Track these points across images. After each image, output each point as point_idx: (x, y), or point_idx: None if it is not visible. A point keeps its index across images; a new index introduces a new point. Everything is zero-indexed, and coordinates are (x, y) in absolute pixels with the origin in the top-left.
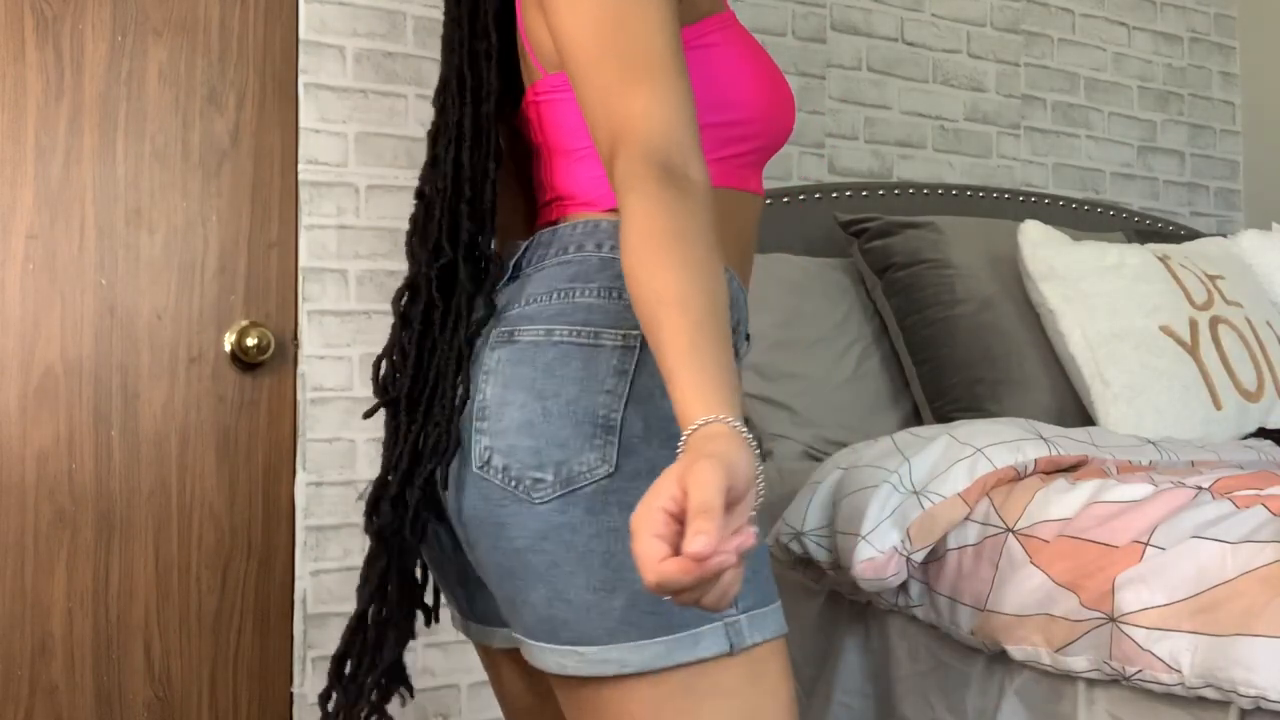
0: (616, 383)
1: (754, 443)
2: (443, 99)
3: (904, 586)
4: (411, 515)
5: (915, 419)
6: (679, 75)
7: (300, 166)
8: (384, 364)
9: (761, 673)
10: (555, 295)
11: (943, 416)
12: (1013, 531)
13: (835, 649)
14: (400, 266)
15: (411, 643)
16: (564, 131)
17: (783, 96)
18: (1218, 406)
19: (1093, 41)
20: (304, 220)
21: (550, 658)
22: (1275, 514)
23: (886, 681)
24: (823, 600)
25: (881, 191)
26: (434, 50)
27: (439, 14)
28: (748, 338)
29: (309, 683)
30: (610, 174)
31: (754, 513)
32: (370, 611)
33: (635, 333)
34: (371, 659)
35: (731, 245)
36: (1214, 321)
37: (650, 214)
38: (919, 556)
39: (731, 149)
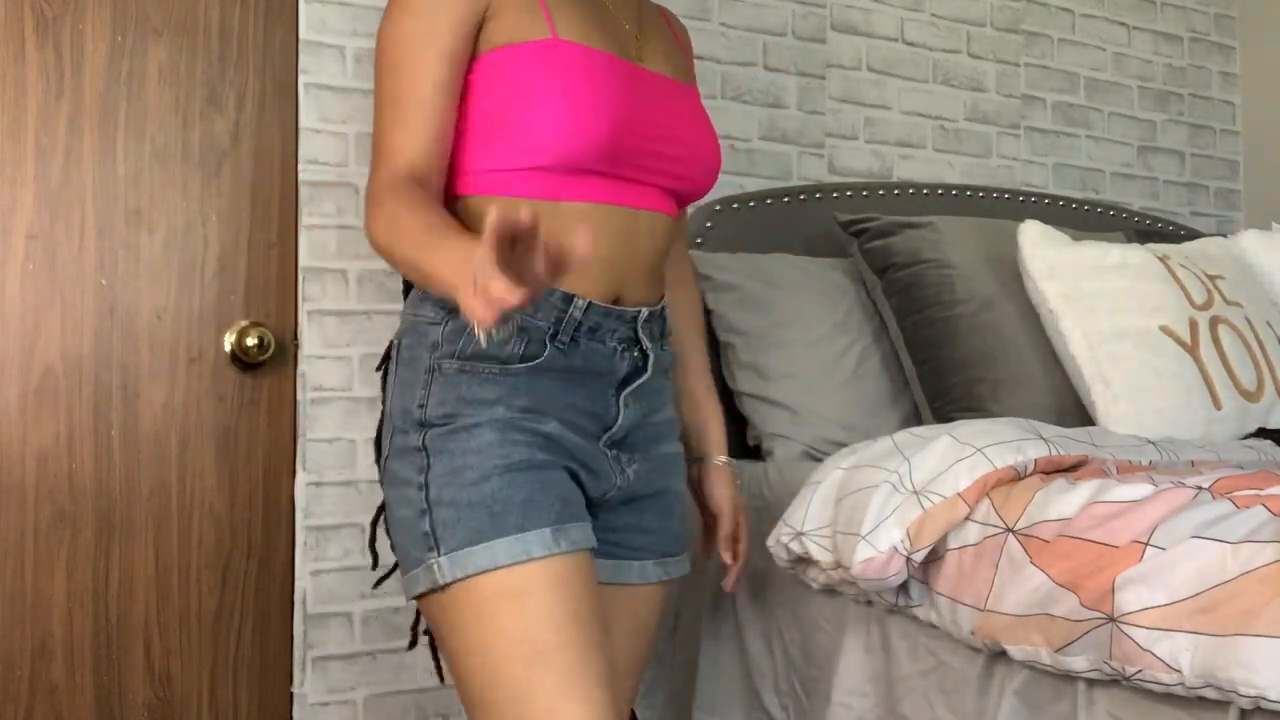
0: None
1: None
2: None
3: (904, 586)
4: None
5: (915, 419)
6: (432, 111)
7: (300, 166)
8: None
9: (464, 604)
10: None
11: (943, 416)
12: (1013, 531)
13: (835, 649)
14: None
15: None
16: None
17: (576, 119)
18: (1218, 406)
19: (1093, 41)
20: (304, 220)
21: None
22: (1275, 514)
23: (886, 681)
24: (823, 600)
25: (881, 191)
26: None
27: None
28: (589, 332)
29: (309, 683)
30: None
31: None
32: None
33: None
34: None
35: None
36: (1214, 321)
37: (403, 211)
38: (919, 556)
39: (528, 161)
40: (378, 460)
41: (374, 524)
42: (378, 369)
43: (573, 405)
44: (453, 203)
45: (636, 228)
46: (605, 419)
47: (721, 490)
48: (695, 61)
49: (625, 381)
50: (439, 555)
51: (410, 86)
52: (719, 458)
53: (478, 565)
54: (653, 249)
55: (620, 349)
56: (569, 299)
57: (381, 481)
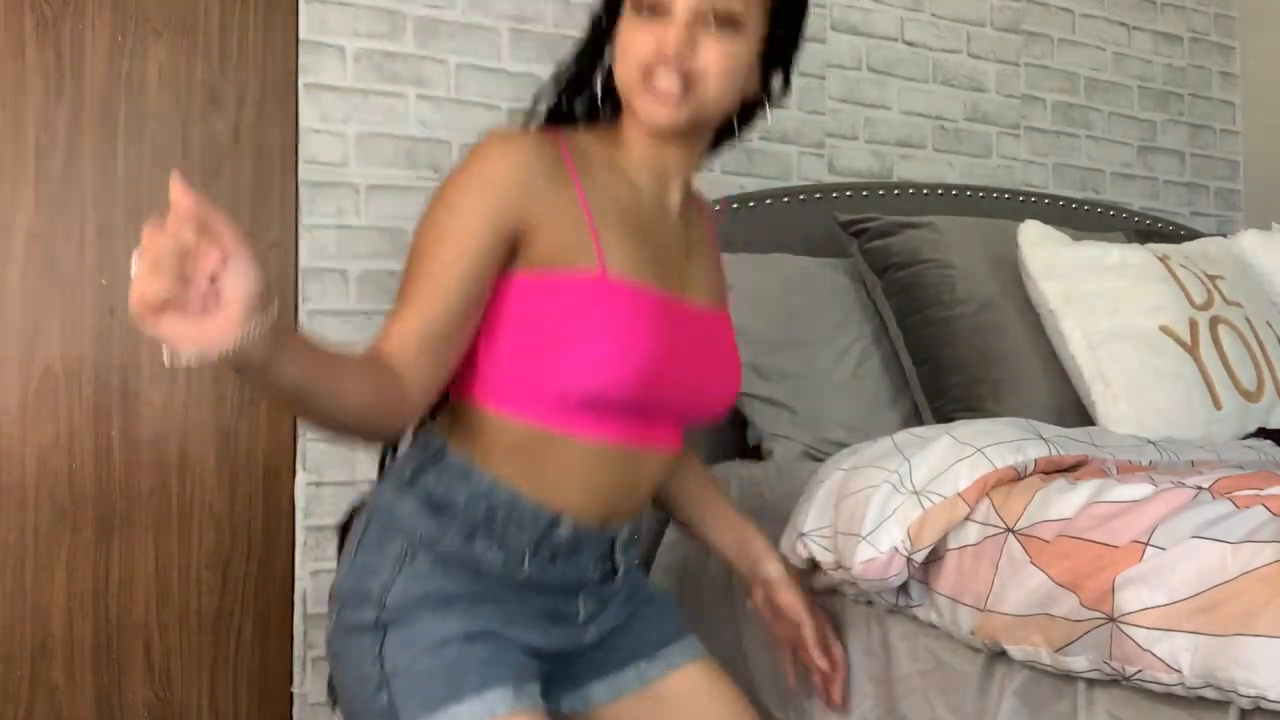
0: None
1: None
2: None
3: (904, 586)
4: None
5: (915, 419)
6: (442, 308)
7: (300, 166)
8: None
9: None
10: None
11: (943, 416)
12: (1013, 531)
13: None
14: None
15: None
16: None
17: (613, 371)
18: (1218, 406)
19: (1093, 41)
20: (304, 220)
21: None
22: (1275, 514)
23: (886, 681)
24: (823, 600)
25: (881, 191)
26: (434, 50)
27: (439, 14)
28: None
29: (309, 683)
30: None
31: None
32: None
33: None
34: None
35: (548, 484)
36: (1214, 321)
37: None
38: (920, 556)
39: (554, 392)
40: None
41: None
42: (338, 530)
43: (538, 609)
44: (465, 401)
45: (641, 466)
46: (572, 611)
47: (791, 598)
48: None
49: (600, 583)
50: None
51: (428, 277)
52: (773, 567)
53: None
54: (652, 483)
55: (594, 563)
56: (555, 521)
57: (329, 654)
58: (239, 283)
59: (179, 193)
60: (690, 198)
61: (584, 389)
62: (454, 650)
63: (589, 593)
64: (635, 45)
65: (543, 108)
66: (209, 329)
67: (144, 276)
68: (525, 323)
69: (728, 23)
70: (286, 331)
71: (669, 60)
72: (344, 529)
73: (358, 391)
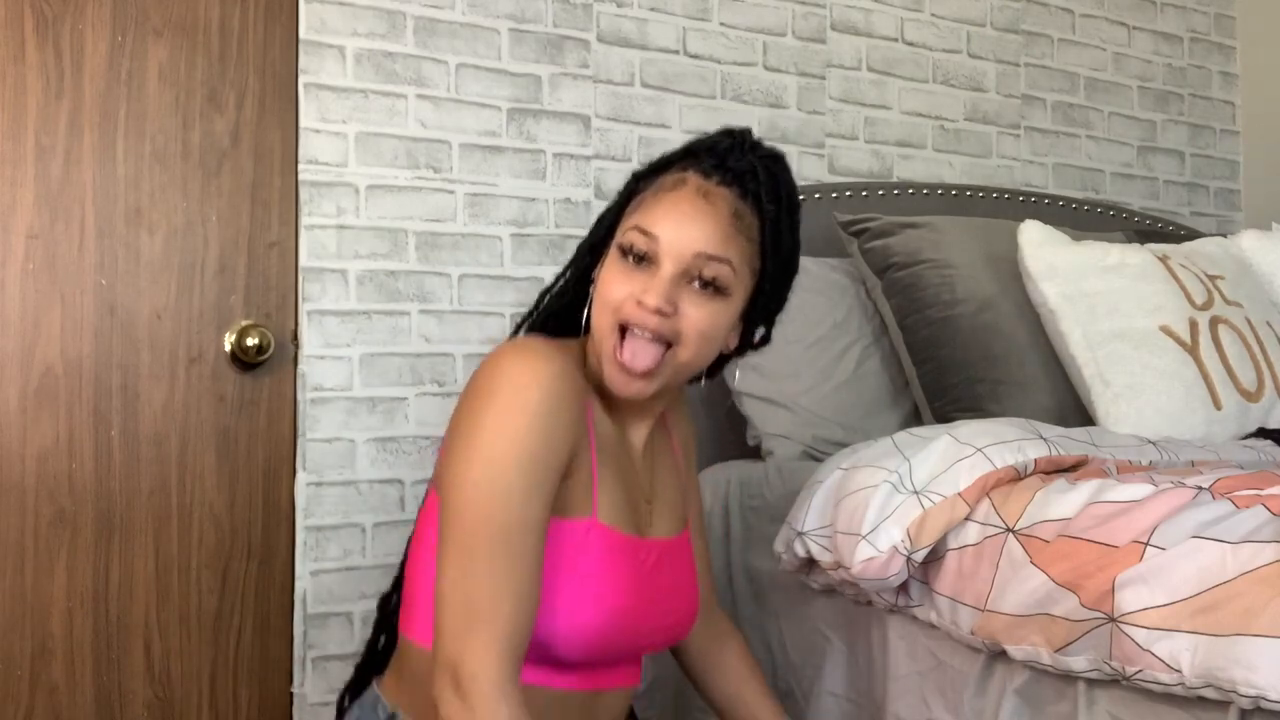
0: None
1: None
2: None
3: (904, 586)
4: None
5: (915, 419)
6: (534, 576)
7: (300, 166)
8: None
9: None
10: None
11: (943, 416)
12: (1013, 531)
13: (834, 649)
14: (400, 266)
15: None
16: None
17: (575, 617)
18: (1218, 406)
19: (1093, 41)
20: (304, 220)
21: None
22: (1275, 514)
23: (885, 681)
24: (822, 600)
25: (881, 191)
26: (434, 50)
27: (439, 14)
28: None
29: (309, 683)
30: None
31: None
32: None
33: None
34: None
35: None
36: (1214, 321)
37: None
38: (919, 556)
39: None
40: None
41: None
42: None
43: None
44: (417, 648)
45: (597, 706)
46: None
47: None
48: (696, 63)
49: None
50: None
51: (520, 546)
52: None
53: None
54: (613, 716)
55: None
56: None
57: None
58: None
59: None
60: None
61: (565, 644)
62: None
63: None
64: (614, 287)
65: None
66: None
67: None
68: None
69: (714, 288)
70: None
71: (648, 314)
72: None
73: None
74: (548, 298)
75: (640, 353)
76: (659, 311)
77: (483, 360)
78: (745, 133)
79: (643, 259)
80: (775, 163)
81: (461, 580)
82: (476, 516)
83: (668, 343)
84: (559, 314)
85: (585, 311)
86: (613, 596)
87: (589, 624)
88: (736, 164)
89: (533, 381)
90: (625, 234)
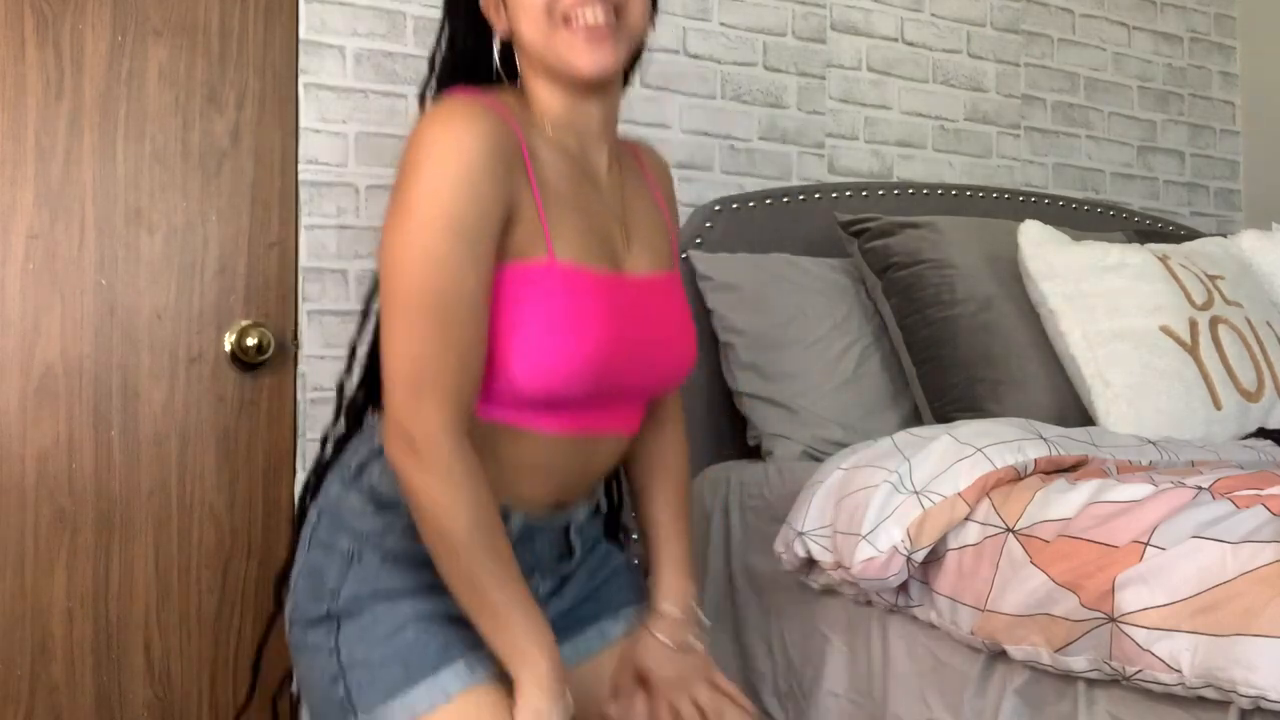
0: None
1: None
2: None
3: (904, 586)
4: None
5: (915, 419)
6: (476, 335)
7: (300, 166)
8: None
9: None
10: None
11: (943, 416)
12: (1013, 531)
13: (834, 648)
14: None
15: None
16: None
17: (559, 364)
18: (1218, 406)
19: (1093, 41)
20: (304, 220)
21: None
22: (1275, 514)
23: (885, 681)
24: (822, 600)
25: (881, 191)
26: None
27: (439, 14)
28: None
29: None
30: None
31: None
32: None
33: None
34: None
35: (497, 477)
36: (1214, 321)
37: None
38: (919, 556)
39: (506, 389)
40: (284, 619)
41: (280, 686)
42: (295, 525)
43: None
44: None
45: (597, 450)
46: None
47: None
48: (696, 62)
49: (556, 561)
50: (356, 718)
51: (456, 311)
52: (663, 604)
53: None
54: (610, 463)
55: (549, 547)
56: (505, 514)
57: (289, 646)
58: None
59: None
60: (623, 149)
61: (534, 387)
62: (409, 635)
63: (545, 572)
64: None
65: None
66: None
67: None
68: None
69: None
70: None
71: None
72: (299, 517)
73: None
74: (441, 54)
75: (593, 18)
76: None
77: (410, 132)
78: None
79: None
80: None
81: (405, 347)
82: (412, 285)
83: (620, 9)
84: (460, 67)
85: (494, 55)
86: (584, 334)
87: (560, 365)
88: None
89: (454, 146)
90: None
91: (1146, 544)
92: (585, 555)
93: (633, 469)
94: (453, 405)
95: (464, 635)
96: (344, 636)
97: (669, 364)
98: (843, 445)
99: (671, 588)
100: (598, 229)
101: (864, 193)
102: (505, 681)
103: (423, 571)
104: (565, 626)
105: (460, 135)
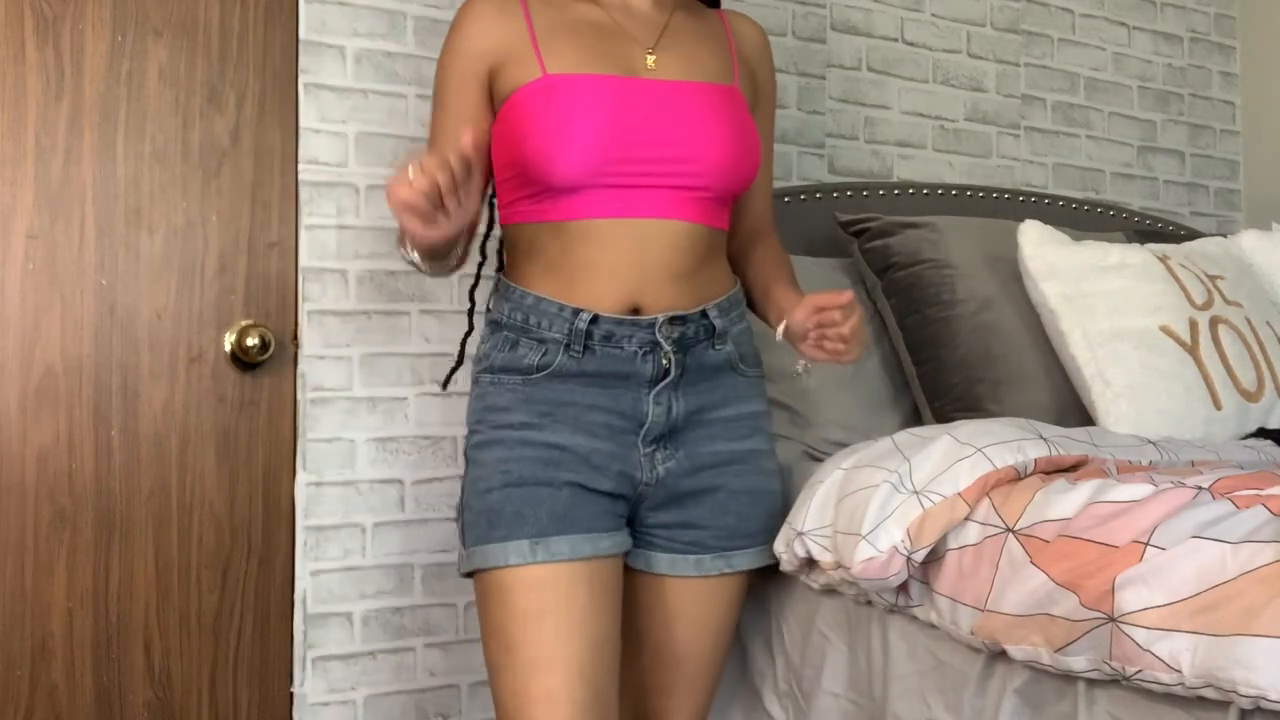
0: None
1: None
2: None
3: (904, 586)
4: None
5: (915, 419)
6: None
7: (300, 166)
8: None
9: (475, 589)
10: None
11: (943, 416)
12: (1013, 531)
13: (834, 649)
14: (400, 266)
15: (411, 642)
16: None
17: (559, 146)
18: (1218, 406)
19: (1093, 41)
20: (304, 220)
21: None
22: (1275, 514)
23: (885, 681)
24: (822, 600)
25: (881, 191)
26: (434, 50)
27: (439, 14)
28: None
29: (309, 683)
30: None
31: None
32: None
33: None
34: None
35: (566, 279)
36: (1214, 321)
37: None
38: (920, 556)
39: (533, 190)
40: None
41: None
42: None
43: (596, 406)
44: (504, 230)
45: (647, 237)
46: (638, 416)
47: (802, 300)
48: None
49: (655, 381)
50: (463, 548)
51: (446, 112)
52: (789, 298)
53: (475, 564)
54: (671, 256)
55: (642, 352)
56: (575, 313)
57: None
58: (463, 214)
59: (466, 140)
60: (698, 6)
61: (544, 177)
62: (495, 498)
63: (649, 392)
64: None
65: None
66: (430, 231)
67: (411, 186)
68: (501, 146)
69: None
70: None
71: None
72: None
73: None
74: None
75: None
76: None
77: None
78: None
79: None
80: None
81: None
82: (431, 110)
83: None
84: None
85: None
86: (581, 121)
87: (564, 153)
88: None
89: (457, 14)
90: None
91: (1146, 544)
92: (716, 410)
93: (747, 284)
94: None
95: (546, 507)
96: (467, 478)
97: (694, 156)
98: (843, 445)
99: (789, 293)
100: (610, 48)
101: (864, 193)
102: (570, 563)
103: (521, 390)
104: (671, 538)
105: (463, 4)
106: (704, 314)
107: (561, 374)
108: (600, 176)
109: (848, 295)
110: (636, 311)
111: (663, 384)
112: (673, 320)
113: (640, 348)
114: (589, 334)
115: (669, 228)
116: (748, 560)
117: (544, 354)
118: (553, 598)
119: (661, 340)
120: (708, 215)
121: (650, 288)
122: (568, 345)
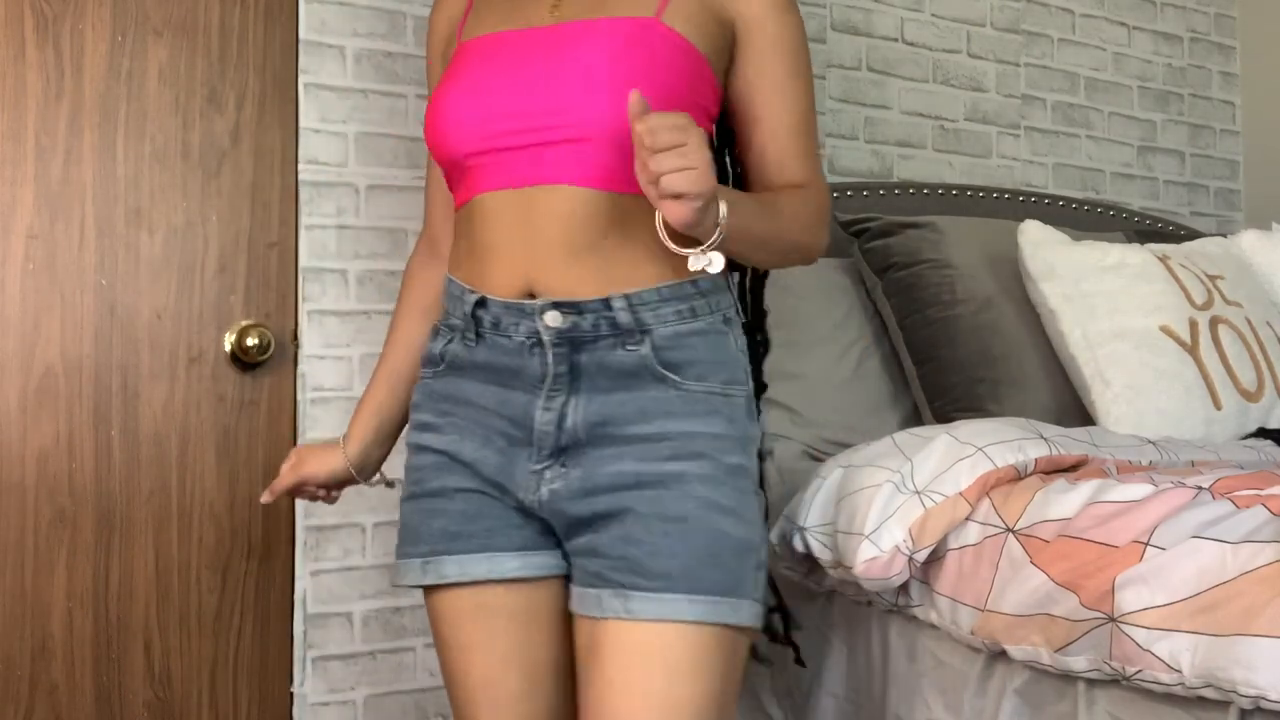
0: None
1: None
2: None
3: (904, 586)
4: None
5: (915, 419)
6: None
7: (300, 166)
8: None
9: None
10: None
11: (943, 416)
12: (1013, 532)
13: (835, 648)
14: (400, 266)
15: (411, 642)
16: None
17: (429, 122)
18: (1218, 406)
19: (1093, 41)
20: (304, 220)
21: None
22: (1275, 514)
23: (885, 681)
24: (823, 600)
25: (881, 191)
26: None
27: None
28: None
29: (309, 683)
30: None
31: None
32: None
33: None
34: None
35: (469, 261)
36: (1214, 321)
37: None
38: (921, 556)
39: (444, 173)
40: None
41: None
42: None
43: (492, 410)
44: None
45: (534, 207)
46: (527, 423)
47: None
48: None
49: (542, 381)
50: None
51: (431, 167)
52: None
53: (395, 579)
54: (565, 229)
55: (529, 344)
56: (467, 294)
57: None
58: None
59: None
60: None
61: (436, 156)
62: (404, 508)
63: (539, 396)
64: None
65: None
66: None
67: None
68: None
69: None
70: None
71: None
72: None
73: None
74: None
75: None
76: None
77: None
78: None
79: None
80: None
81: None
82: None
83: None
84: None
85: None
86: (459, 85)
87: (437, 120)
88: None
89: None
90: None
91: (1146, 544)
92: (630, 426)
93: None
94: (426, 235)
95: (434, 527)
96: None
97: (584, 102)
98: (843, 445)
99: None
100: (522, 2)
101: (864, 193)
102: (459, 587)
103: (426, 386)
104: (579, 568)
105: None
106: (606, 303)
107: (458, 365)
108: (485, 144)
109: (635, 96)
110: (532, 297)
111: (552, 386)
112: (561, 307)
113: (527, 338)
114: (478, 319)
115: (559, 194)
116: (654, 608)
117: (447, 341)
118: (474, 630)
119: (541, 330)
120: (612, 179)
121: (541, 268)
122: (463, 332)
